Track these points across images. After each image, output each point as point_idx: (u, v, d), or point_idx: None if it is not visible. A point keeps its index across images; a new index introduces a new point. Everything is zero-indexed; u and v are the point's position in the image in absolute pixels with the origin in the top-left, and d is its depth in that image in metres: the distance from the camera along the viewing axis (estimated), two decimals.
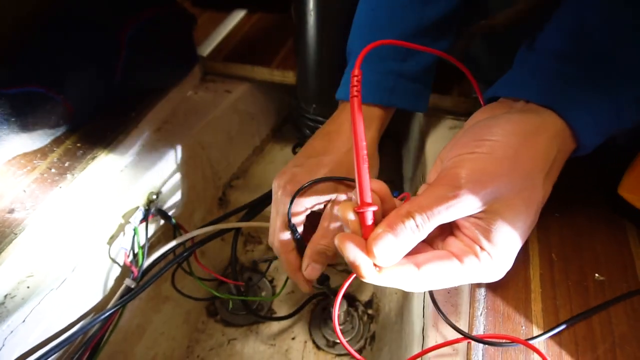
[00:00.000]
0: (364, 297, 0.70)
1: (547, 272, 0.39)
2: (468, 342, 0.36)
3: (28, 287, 0.43)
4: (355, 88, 0.29)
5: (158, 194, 0.56)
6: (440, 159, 0.35)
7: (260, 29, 0.76)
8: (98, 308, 0.49)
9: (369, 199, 0.29)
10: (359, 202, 0.29)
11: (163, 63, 0.61)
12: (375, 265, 0.29)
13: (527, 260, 0.40)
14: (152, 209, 0.55)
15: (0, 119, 0.42)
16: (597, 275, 0.39)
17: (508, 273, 0.39)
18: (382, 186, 0.31)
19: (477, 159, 0.30)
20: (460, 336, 0.35)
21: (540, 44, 0.38)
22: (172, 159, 0.58)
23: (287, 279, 0.67)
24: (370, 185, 0.29)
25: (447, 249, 0.32)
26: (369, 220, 0.30)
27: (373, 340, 0.65)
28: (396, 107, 0.48)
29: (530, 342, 0.34)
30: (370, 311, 0.68)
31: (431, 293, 0.40)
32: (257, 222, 0.58)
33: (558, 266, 0.39)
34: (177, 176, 0.59)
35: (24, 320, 0.41)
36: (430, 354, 0.39)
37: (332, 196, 0.44)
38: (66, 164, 0.49)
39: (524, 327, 0.36)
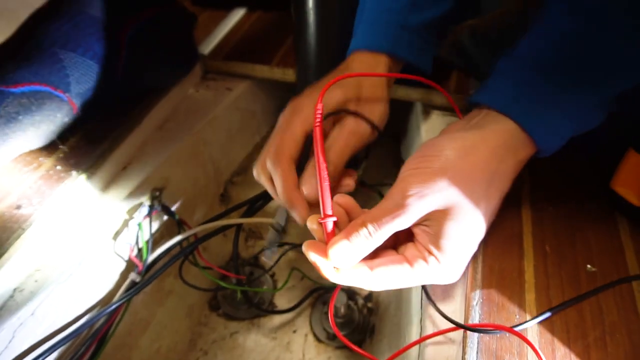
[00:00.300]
0: (364, 291, 0.71)
1: (540, 263, 0.40)
2: (464, 331, 0.37)
3: (36, 281, 0.44)
4: (317, 120, 0.37)
5: (161, 190, 0.57)
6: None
7: (260, 27, 0.76)
8: (104, 301, 0.51)
9: (329, 211, 0.34)
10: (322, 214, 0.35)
11: (164, 62, 0.62)
12: (335, 267, 0.34)
13: (521, 252, 0.41)
14: (156, 205, 0.56)
15: (8, 117, 0.42)
16: (589, 266, 0.40)
17: (503, 265, 0.40)
18: (348, 200, 0.37)
19: (420, 174, 0.34)
20: (458, 325, 0.37)
21: (515, 51, 0.40)
22: (174, 156, 0.59)
23: (290, 272, 0.69)
24: (337, 200, 0.36)
25: (402, 254, 0.36)
26: (329, 228, 0.34)
27: (373, 332, 0.66)
28: (399, 56, 0.47)
29: (519, 328, 0.35)
30: (369, 304, 0.69)
31: (424, 286, 0.41)
32: (258, 217, 0.60)
33: (551, 258, 0.41)
34: (180, 173, 0.60)
35: (32, 313, 0.43)
36: (427, 342, 0.40)
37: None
38: (71, 161, 0.50)
39: (517, 316, 0.37)
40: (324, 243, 0.34)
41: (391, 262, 0.34)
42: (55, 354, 0.45)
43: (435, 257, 0.34)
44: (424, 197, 0.33)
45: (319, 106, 0.37)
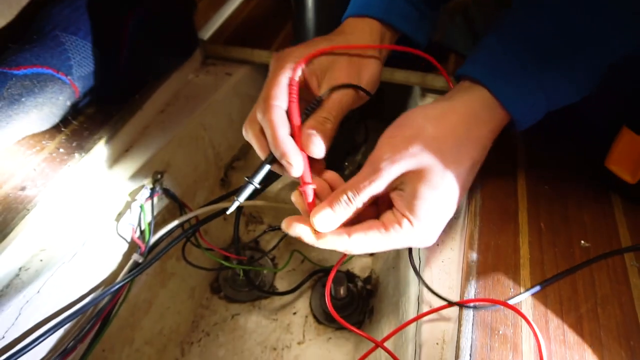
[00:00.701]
0: (363, 274, 0.72)
1: (535, 240, 0.41)
2: (460, 308, 0.38)
3: (41, 260, 0.45)
4: (292, 95, 0.38)
5: (162, 173, 0.57)
6: None
7: (260, 13, 0.77)
8: (107, 281, 0.52)
9: (308, 179, 0.37)
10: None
11: (164, 47, 0.62)
12: (316, 232, 0.37)
13: (516, 229, 0.42)
14: (157, 187, 0.56)
15: (11, 99, 0.43)
16: (583, 242, 0.41)
17: (499, 242, 0.41)
18: (333, 175, 0.40)
19: (394, 142, 0.36)
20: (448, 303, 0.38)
21: (497, 25, 0.41)
22: (175, 140, 0.59)
23: (291, 254, 0.70)
24: (324, 175, 0.39)
25: (381, 220, 0.37)
26: (310, 197, 0.37)
27: (372, 313, 0.67)
28: (392, 25, 0.47)
29: (511, 301, 0.36)
30: (368, 286, 0.70)
31: (413, 264, 0.42)
32: (258, 201, 0.60)
33: (546, 234, 0.41)
34: (181, 157, 0.61)
35: (38, 291, 0.43)
36: (424, 319, 0.41)
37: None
38: (74, 144, 0.51)
39: (512, 290, 0.38)
40: (307, 214, 0.37)
41: (368, 228, 0.36)
42: (61, 331, 0.46)
43: (409, 220, 0.35)
44: (395, 161, 0.35)
45: (294, 82, 0.39)
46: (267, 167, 0.39)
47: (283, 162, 0.37)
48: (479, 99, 0.38)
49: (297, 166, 0.37)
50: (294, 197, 0.38)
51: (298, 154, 0.37)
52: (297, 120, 0.38)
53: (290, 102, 0.38)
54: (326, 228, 0.36)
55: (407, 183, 0.35)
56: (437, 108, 0.38)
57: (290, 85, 0.39)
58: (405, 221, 0.35)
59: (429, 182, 0.35)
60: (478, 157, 0.38)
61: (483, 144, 0.38)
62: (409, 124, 0.37)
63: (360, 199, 0.36)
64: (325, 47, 0.42)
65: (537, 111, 0.39)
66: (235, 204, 0.40)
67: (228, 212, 0.41)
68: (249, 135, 0.42)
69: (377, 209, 0.39)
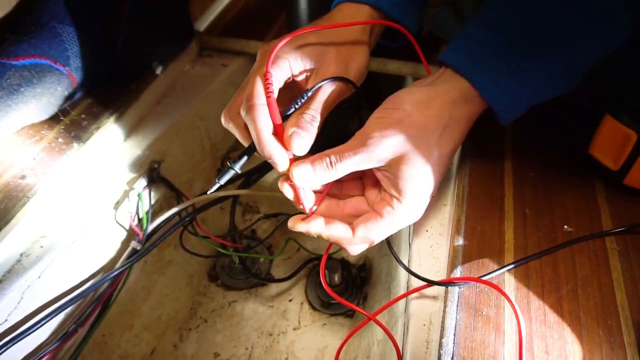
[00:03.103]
0: (358, 261, 0.74)
1: (520, 225, 0.42)
2: (445, 288, 0.39)
3: (42, 247, 0.46)
4: (268, 90, 0.37)
5: (160, 163, 0.59)
6: None
7: (254, 4, 0.77)
8: (107, 268, 0.53)
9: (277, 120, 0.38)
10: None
11: (160, 38, 0.63)
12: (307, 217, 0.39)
13: (502, 215, 0.43)
14: (155, 176, 0.58)
15: (10, 89, 0.44)
16: (566, 227, 0.42)
17: (485, 227, 0.42)
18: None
19: (382, 122, 0.38)
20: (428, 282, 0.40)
21: (478, 14, 0.42)
22: (172, 130, 0.61)
23: (286, 241, 0.71)
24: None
25: (371, 207, 0.39)
26: (300, 192, 0.39)
27: (366, 299, 0.69)
28: (383, 10, 0.47)
29: (488, 277, 0.38)
30: (363, 274, 0.72)
31: (392, 250, 0.43)
32: (254, 190, 0.62)
33: (530, 220, 0.43)
34: (178, 147, 0.62)
35: (39, 276, 0.45)
36: (411, 298, 0.43)
37: (314, 65, 0.42)
38: (72, 134, 0.52)
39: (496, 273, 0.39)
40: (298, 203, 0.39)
41: (366, 219, 0.38)
42: (62, 315, 0.48)
43: (397, 199, 0.37)
44: (382, 139, 0.37)
45: (268, 75, 0.38)
46: (248, 155, 0.41)
47: (269, 161, 0.38)
48: (460, 88, 0.40)
49: (282, 165, 0.38)
50: (281, 186, 0.39)
51: (282, 153, 0.38)
52: (277, 119, 0.38)
53: (267, 98, 0.38)
54: (302, 182, 0.37)
55: (393, 164, 0.37)
56: (422, 93, 0.40)
57: (265, 81, 0.38)
58: (394, 201, 0.38)
59: (415, 164, 0.37)
60: (457, 141, 0.40)
61: (461, 129, 0.40)
62: (396, 107, 0.39)
63: (341, 166, 0.37)
64: (311, 40, 0.42)
65: (518, 103, 0.40)
66: (215, 186, 0.41)
67: (208, 192, 0.42)
68: (229, 125, 0.42)
69: (362, 186, 0.42)
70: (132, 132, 0.58)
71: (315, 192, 0.41)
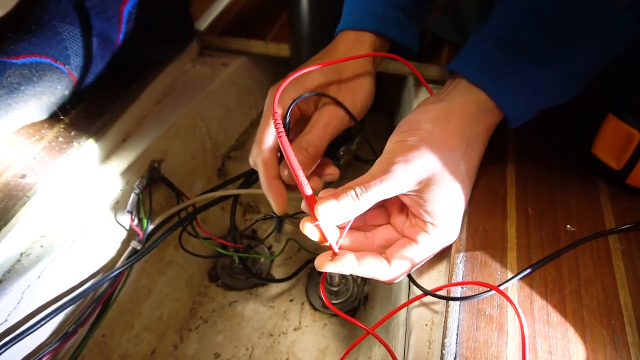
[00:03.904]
0: None
1: (522, 224, 0.42)
2: (447, 289, 0.39)
3: (42, 246, 0.46)
4: (278, 131, 0.36)
5: (160, 162, 0.58)
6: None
7: (255, 4, 0.77)
8: (107, 268, 0.53)
9: (309, 191, 0.35)
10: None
11: (161, 37, 0.63)
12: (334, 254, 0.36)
13: (504, 214, 0.43)
14: (155, 176, 0.57)
15: (10, 88, 0.44)
16: (568, 226, 0.42)
17: (487, 227, 0.42)
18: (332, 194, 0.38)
19: (404, 145, 0.37)
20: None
21: (487, 23, 0.42)
22: (172, 129, 0.60)
23: (287, 242, 0.71)
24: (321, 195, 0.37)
25: (402, 234, 0.39)
26: (308, 192, 0.35)
27: (366, 300, 0.68)
28: (385, 35, 0.48)
29: (502, 287, 0.38)
30: None
31: None
32: (255, 189, 0.61)
33: (533, 219, 0.43)
34: (178, 146, 0.62)
35: (39, 276, 0.45)
36: (414, 304, 0.42)
37: (317, 90, 0.44)
38: (73, 133, 0.52)
39: (499, 273, 0.39)
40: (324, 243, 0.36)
41: (401, 247, 0.37)
42: (62, 315, 0.47)
43: (432, 224, 0.36)
44: (408, 163, 0.35)
45: (277, 115, 0.37)
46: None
47: (269, 201, 0.42)
48: (477, 100, 0.39)
49: (278, 207, 0.42)
50: (303, 227, 0.35)
51: (280, 196, 0.42)
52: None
53: (278, 137, 0.36)
54: (328, 219, 0.34)
55: (422, 189, 0.36)
56: (440, 110, 0.39)
57: (276, 126, 0.36)
58: (429, 226, 0.37)
59: (443, 184, 0.36)
60: (481, 154, 0.40)
61: (483, 141, 0.40)
62: (415, 128, 0.38)
63: (368, 196, 0.34)
64: (319, 75, 0.44)
65: (530, 109, 0.40)
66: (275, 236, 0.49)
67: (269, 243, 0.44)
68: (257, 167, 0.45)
69: (386, 214, 0.40)
70: (133, 132, 0.58)
71: (338, 226, 0.37)
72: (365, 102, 0.46)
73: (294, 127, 0.46)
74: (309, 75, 0.43)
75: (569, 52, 0.38)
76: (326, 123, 0.43)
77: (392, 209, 0.40)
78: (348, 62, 0.45)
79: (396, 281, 0.38)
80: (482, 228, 0.42)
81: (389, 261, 0.37)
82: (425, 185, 0.35)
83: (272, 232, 0.70)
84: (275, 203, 0.42)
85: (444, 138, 0.37)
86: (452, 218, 0.37)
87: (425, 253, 0.37)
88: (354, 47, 0.47)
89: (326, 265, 0.35)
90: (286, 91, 0.43)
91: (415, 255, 0.37)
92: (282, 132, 0.36)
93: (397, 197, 0.38)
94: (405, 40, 0.49)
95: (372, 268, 0.36)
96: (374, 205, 0.36)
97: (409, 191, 0.36)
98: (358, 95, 0.45)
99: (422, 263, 0.38)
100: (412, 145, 0.36)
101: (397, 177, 0.35)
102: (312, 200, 0.35)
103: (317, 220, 0.34)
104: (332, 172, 0.47)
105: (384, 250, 0.38)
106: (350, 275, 0.70)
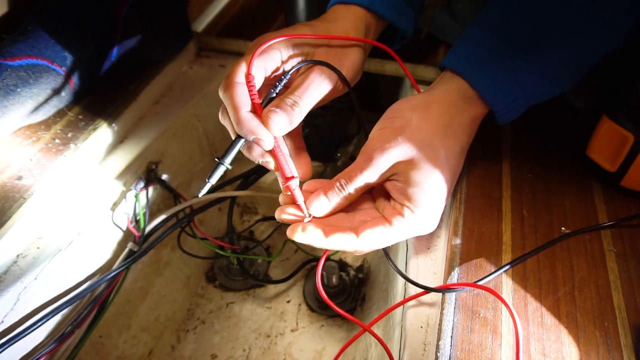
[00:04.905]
0: (356, 263, 0.74)
1: (517, 226, 0.42)
2: (442, 294, 0.39)
3: (38, 248, 0.46)
4: (251, 93, 0.37)
5: (157, 163, 0.59)
6: None
7: (253, 5, 0.77)
8: (104, 269, 0.53)
9: (288, 172, 0.38)
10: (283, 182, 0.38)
11: (158, 38, 0.63)
12: (324, 233, 0.36)
13: (500, 216, 0.43)
14: (152, 177, 0.58)
15: (7, 89, 0.44)
16: (563, 228, 0.42)
17: (483, 228, 0.42)
18: (317, 184, 0.40)
19: (384, 133, 0.38)
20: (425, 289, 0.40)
21: (478, 18, 0.42)
22: (170, 130, 0.60)
23: (284, 243, 0.71)
24: (307, 186, 0.39)
25: (382, 215, 0.38)
26: (296, 192, 0.38)
27: (363, 301, 0.68)
28: (376, 11, 0.47)
29: (483, 281, 0.38)
30: (360, 275, 0.71)
31: (389, 258, 0.42)
32: (252, 191, 0.62)
33: (528, 221, 0.43)
34: (175, 147, 0.62)
35: (36, 278, 0.45)
36: (410, 305, 0.42)
37: (304, 55, 0.42)
38: (69, 135, 0.52)
39: (493, 275, 0.39)
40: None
41: (374, 224, 0.37)
42: (59, 317, 0.47)
43: (409, 208, 0.36)
44: (385, 150, 0.37)
45: (251, 77, 0.36)
46: (236, 147, 0.38)
47: (252, 139, 0.36)
48: (458, 89, 0.40)
49: (267, 141, 0.36)
50: (282, 198, 0.39)
51: (263, 129, 0.36)
52: (255, 98, 0.36)
53: (247, 75, 0.36)
54: (320, 213, 0.38)
55: (401, 173, 0.37)
56: (421, 98, 0.40)
57: (249, 63, 0.36)
58: (406, 210, 0.36)
59: (421, 169, 0.36)
60: (464, 143, 0.40)
61: (466, 131, 0.40)
62: (397, 115, 0.39)
63: (352, 186, 0.37)
64: (306, 33, 0.41)
65: (516, 102, 0.40)
66: (207, 186, 0.39)
67: (200, 195, 0.39)
68: (225, 121, 0.40)
69: (373, 200, 0.41)
70: (130, 133, 0.58)
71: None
72: (355, 67, 0.44)
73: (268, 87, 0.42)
74: (300, 32, 0.41)
75: (558, 45, 0.39)
76: (310, 81, 0.40)
77: (377, 195, 0.41)
78: (336, 28, 0.44)
79: (359, 253, 0.39)
80: (477, 230, 0.42)
81: (357, 234, 0.36)
82: (403, 170, 0.37)
83: (271, 233, 0.70)
84: (262, 134, 0.37)
85: (423, 123, 0.38)
86: (431, 205, 0.37)
87: (395, 235, 0.37)
88: (345, 22, 0.45)
89: (296, 234, 0.37)
90: (269, 41, 0.39)
91: (386, 235, 0.36)
92: (255, 94, 0.37)
93: (382, 185, 0.39)
94: (397, 20, 0.48)
95: (340, 239, 0.36)
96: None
97: (391, 177, 0.38)
98: (347, 58, 0.43)
99: (389, 245, 0.38)
100: (391, 133, 0.38)
101: (376, 165, 0.37)
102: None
103: (289, 180, 0.38)
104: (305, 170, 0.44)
105: None
106: (347, 276, 0.71)
